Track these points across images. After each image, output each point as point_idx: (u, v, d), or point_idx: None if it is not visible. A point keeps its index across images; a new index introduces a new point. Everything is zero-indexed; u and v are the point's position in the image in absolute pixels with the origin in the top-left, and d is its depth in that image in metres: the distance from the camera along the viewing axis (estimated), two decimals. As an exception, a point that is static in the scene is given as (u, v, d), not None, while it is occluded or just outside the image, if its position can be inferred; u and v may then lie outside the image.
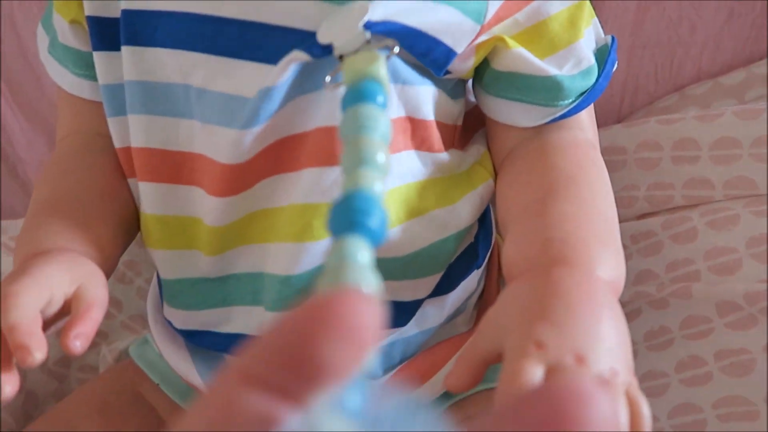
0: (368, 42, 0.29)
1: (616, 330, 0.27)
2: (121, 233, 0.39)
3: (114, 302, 0.54)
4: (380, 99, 0.25)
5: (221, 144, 0.35)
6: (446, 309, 0.41)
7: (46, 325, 0.32)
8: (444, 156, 0.38)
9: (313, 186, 0.34)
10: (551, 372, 0.25)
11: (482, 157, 0.41)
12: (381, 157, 0.22)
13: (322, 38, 0.30)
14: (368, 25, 0.30)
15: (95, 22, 0.38)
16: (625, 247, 0.45)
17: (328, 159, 0.34)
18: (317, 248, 0.35)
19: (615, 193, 0.36)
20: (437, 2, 0.32)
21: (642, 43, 0.52)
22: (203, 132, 0.35)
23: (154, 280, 0.45)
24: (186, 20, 0.34)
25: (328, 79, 0.30)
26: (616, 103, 0.53)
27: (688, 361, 0.37)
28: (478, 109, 0.42)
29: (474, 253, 0.42)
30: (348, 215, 0.21)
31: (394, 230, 0.36)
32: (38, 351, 0.28)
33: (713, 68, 0.52)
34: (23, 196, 0.66)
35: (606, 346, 0.26)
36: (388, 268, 0.37)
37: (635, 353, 0.40)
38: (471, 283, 0.42)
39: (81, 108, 0.42)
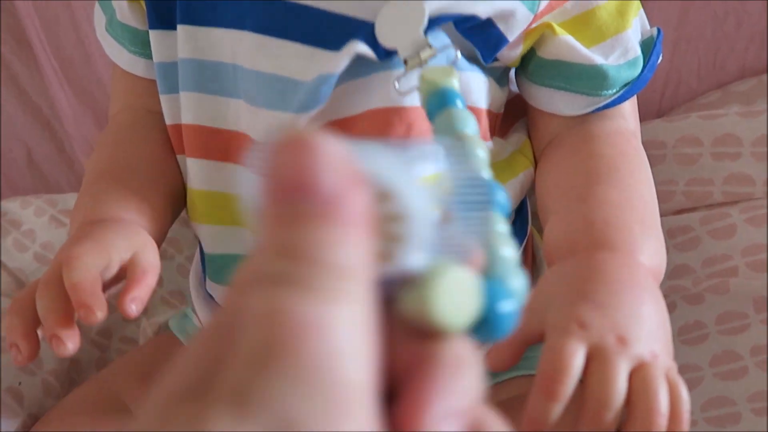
0: (429, 46, 0.30)
1: (657, 314, 0.28)
2: (170, 206, 0.41)
3: (180, 296, 0.56)
4: (460, 103, 0.26)
5: (265, 126, 0.36)
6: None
7: (104, 288, 0.33)
8: (488, 144, 0.39)
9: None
10: (593, 352, 0.26)
11: (523, 145, 0.42)
12: (481, 152, 0.23)
13: (384, 41, 0.31)
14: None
15: (153, 1, 0.39)
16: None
17: (378, 139, 0.35)
18: None
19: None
20: None
21: (686, 37, 0.51)
22: (249, 113, 0.36)
23: (197, 255, 0.46)
24: (245, 1, 0.35)
25: (396, 85, 0.32)
26: (656, 97, 0.53)
27: (723, 355, 0.38)
28: (519, 98, 0.42)
29: (511, 241, 0.43)
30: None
31: None
32: (99, 310, 0.29)
33: (758, 65, 0.51)
34: (69, 172, 0.68)
35: (647, 328, 0.27)
36: None
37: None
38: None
39: (135, 85, 0.44)
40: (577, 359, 0.25)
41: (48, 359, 0.49)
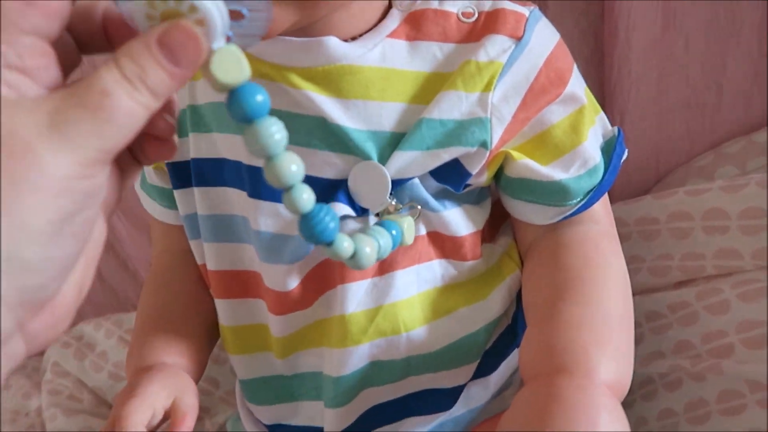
0: (395, 205, 0.36)
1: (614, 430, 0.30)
2: (207, 339, 0.47)
3: (212, 381, 0.62)
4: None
5: (272, 275, 0.41)
6: (491, 388, 0.45)
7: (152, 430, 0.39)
8: (474, 263, 0.42)
9: (346, 300, 0.39)
10: None
11: (509, 247, 0.45)
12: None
13: (359, 201, 0.37)
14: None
15: (172, 167, 0.46)
16: (663, 316, 0.47)
17: (354, 275, 0.39)
18: (359, 351, 0.40)
19: (650, 262, 0.37)
20: (441, 149, 0.37)
21: (669, 107, 0.53)
22: (259, 263, 0.42)
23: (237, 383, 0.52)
24: (239, 167, 0.41)
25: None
26: (652, 166, 0.55)
27: (724, 437, 0.39)
28: (500, 203, 0.45)
29: (513, 333, 0.46)
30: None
31: (421, 329, 0.41)
32: None
33: (748, 123, 0.52)
34: (135, 286, 0.77)
35: None
36: (422, 362, 0.41)
37: (676, 425, 0.42)
38: (514, 360, 0.45)
39: (169, 231, 0.51)
40: None
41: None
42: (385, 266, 0.40)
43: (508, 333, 0.45)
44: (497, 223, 0.46)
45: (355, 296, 0.40)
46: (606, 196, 0.42)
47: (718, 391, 0.41)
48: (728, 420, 0.39)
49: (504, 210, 0.46)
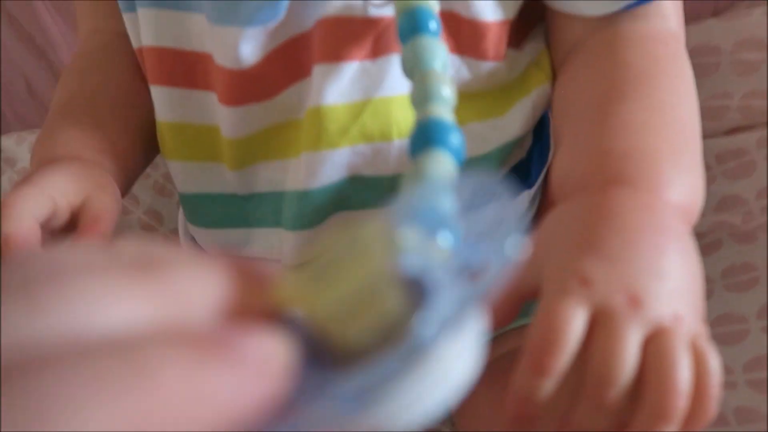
0: None
1: (684, 267, 0.22)
2: (140, 141, 0.37)
3: (155, 215, 0.54)
4: (434, 25, 0.25)
5: (223, 44, 0.31)
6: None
7: (53, 236, 0.30)
8: (497, 66, 0.33)
9: (325, 85, 0.30)
10: (597, 315, 0.21)
11: (539, 56, 0.35)
12: (447, 91, 0.23)
13: None
14: None
15: None
16: (707, 167, 0.39)
17: (340, 52, 0.29)
18: (334, 158, 0.31)
19: (700, 102, 0.29)
20: None
21: None
22: (210, 30, 0.31)
23: (180, 215, 0.43)
24: None
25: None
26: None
27: (775, 303, 0.32)
28: (534, 2, 0.35)
29: (526, 171, 0.37)
30: (427, 136, 0.21)
31: None
32: None
33: None
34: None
35: (669, 286, 0.21)
36: None
37: (709, 293, 0.35)
38: (520, 205, 0.37)
39: (97, 8, 0.40)
40: (574, 325, 0.20)
41: None
42: (381, 46, 0.30)
43: (521, 169, 0.37)
44: (525, 28, 0.36)
45: (337, 82, 0.30)
46: (678, -9, 0.32)
47: (771, 253, 0.33)
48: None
49: (533, 15, 0.36)
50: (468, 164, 0.33)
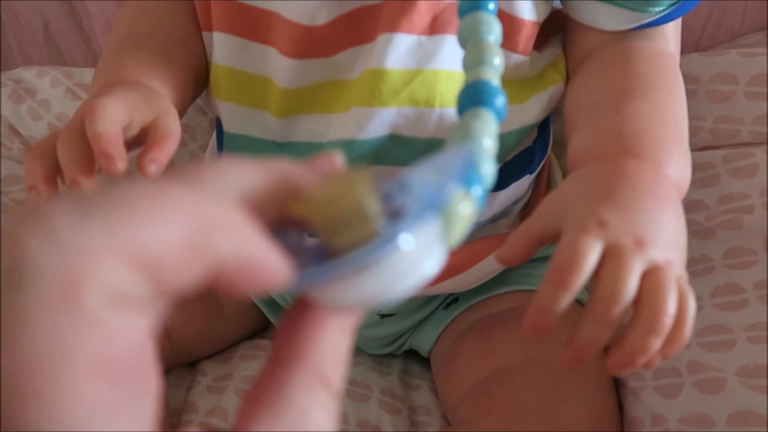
0: None
1: (677, 225, 0.28)
2: (192, 81, 0.40)
3: (189, 130, 0.56)
4: (492, 6, 0.28)
5: (302, 3, 0.35)
6: (494, 206, 0.42)
7: (126, 146, 0.33)
8: (522, 59, 0.38)
9: (387, 51, 0.34)
10: (609, 250, 0.26)
11: (556, 59, 0.41)
12: (497, 60, 0.26)
13: None
14: None
15: None
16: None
17: (402, 26, 0.34)
18: (382, 115, 0.35)
19: None
20: None
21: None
22: None
23: (213, 140, 0.46)
24: None
25: None
26: (695, 33, 0.51)
27: (725, 287, 0.38)
28: (557, 13, 0.41)
29: (530, 157, 0.43)
30: (475, 96, 0.24)
31: (455, 111, 0.36)
32: (120, 161, 0.29)
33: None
34: (86, 49, 0.67)
35: (665, 235, 0.27)
36: None
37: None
38: (521, 186, 0.43)
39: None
40: (592, 254, 0.26)
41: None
42: (437, 26, 0.35)
43: (526, 155, 0.42)
44: (546, 35, 0.42)
45: (396, 51, 0.34)
46: (679, 22, 0.38)
47: (726, 248, 0.40)
48: (734, 273, 0.38)
49: (553, 25, 0.42)
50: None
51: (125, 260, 0.11)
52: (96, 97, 0.32)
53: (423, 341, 0.47)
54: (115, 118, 0.31)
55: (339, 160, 0.16)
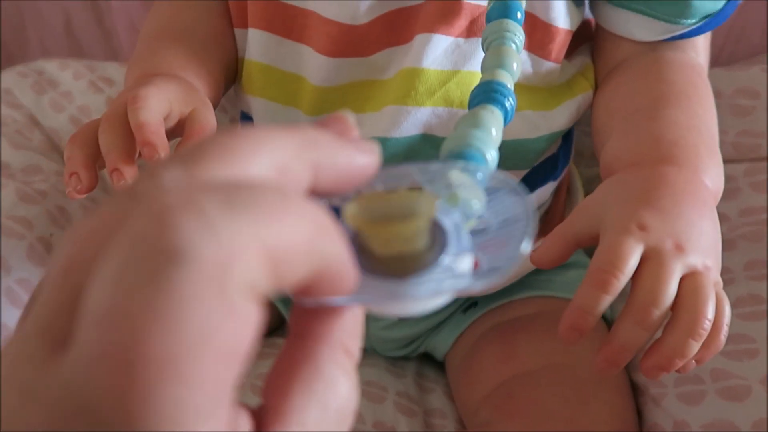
0: None
1: (714, 232, 0.28)
2: (224, 77, 0.41)
3: None
4: (519, 15, 0.29)
5: (342, 2, 0.35)
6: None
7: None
8: (553, 66, 0.39)
9: (424, 51, 0.35)
10: (649, 253, 0.26)
11: (585, 68, 0.41)
12: (515, 65, 0.27)
13: None
14: None
15: None
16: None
17: (440, 27, 0.34)
18: (417, 114, 0.36)
19: None
20: None
21: (758, -9, 0.50)
22: None
23: None
24: None
25: None
26: (715, 48, 0.52)
27: (747, 298, 0.38)
28: (586, 22, 0.42)
29: (554, 164, 0.43)
30: (487, 93, 0.25)
31: None
32: (163, 150, 0.30)
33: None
34: (106, 45, 0.67)
35: (704, 241, 0.27)
36: None
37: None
38: (545, 193, 0.43)
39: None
40: (633, 257, 0.26)
41: (79, 218, 0.49)
42: (474, 29, 0.35)
43: (550, 162, 0.43)
44: (576, 44, 0.42)
45: (434, 51, 0.35)
46: (709, 36, 0.39)
47: (748, 259, 0.40)
48: (755, 284, 0.38)
49: (583, 35, 0.42)
50: (523, 143, 0.38)
51: (263, 254, 0.12)
52: (137, 87, 0.33)
53: (439, 344, 0.47)
54: (157, 108, 0.31)
55: (350, 120, 0.17)
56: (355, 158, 0.15)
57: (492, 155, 0.22)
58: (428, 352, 0.49)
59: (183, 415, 0.11)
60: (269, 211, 0.12)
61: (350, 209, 0.16)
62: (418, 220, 0.15)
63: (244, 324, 0.12)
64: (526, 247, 0.16)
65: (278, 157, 0.14)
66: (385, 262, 0.16)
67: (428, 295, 0.15)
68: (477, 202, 0.17)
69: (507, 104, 0.25)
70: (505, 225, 0.17)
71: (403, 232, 0.15)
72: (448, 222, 0.17)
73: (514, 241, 0.16)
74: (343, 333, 0.15)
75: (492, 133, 0.23)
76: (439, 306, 0.16)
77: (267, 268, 0.12)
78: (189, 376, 0.11)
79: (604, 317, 0.36)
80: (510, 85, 0.26)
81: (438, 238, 0.16)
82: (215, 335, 0.11)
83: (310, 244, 0.13)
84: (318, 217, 0.13)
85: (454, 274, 0.16)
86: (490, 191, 0.18)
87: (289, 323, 0.16)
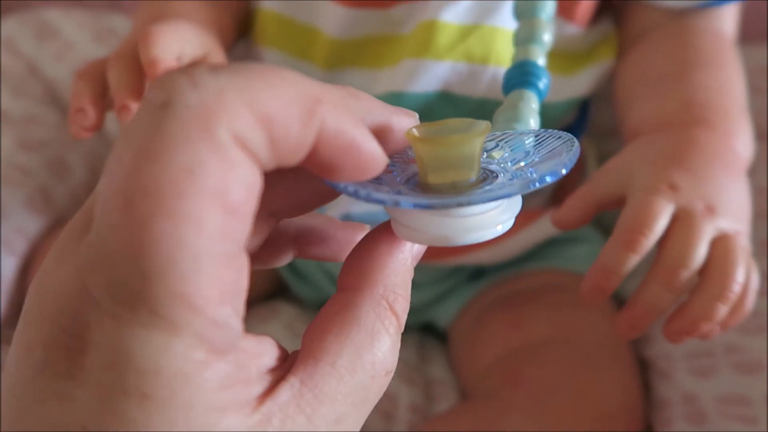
0: None
1: (744, 198, 0.28)
2: (233, 26, 0.39)
3: None
4: None
5: None
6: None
7: None
8: (577, 32, 0.38)
9: (444, 5, 0.34)
10: (679, 214, 0.25)
11: (608, 36, 0.40)
12: (547, 37, 0.26)
13: None
14: None
15: None
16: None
17: None
18: (436, 69, 0.35)
19: None
20: None
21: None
22: None
23: None
24: None
25: None
26: (763, 17, 0.50)
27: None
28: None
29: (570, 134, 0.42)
30: (522, 76, 0.25)
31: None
32: None
33: None
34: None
35: (734, 205, 0.27)
36: (494, 109, 0.37)
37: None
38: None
39: None
40: (663, 217, 0.25)
41: (78, 170, 0.48)
42: None
43: (567, 131, 0.42)
44: (597, 12, 0.41)
45: (455, 6, 0.34)
46: (738, 9, 0.38)
47: (759, 237, 0.40)
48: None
49: (603, 5, 0.41)
50: (542, 107, 0.38)
51: (249, 110, 0.13)
52: (153, 25, 0.31)
53: (443, 314, 0.47)
54: (170, 46, 0.30)
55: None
56: (362, 141, 0.15)
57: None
58: (430, 322, 0.48)
59: (181, 254, 0.12)
60: (257, 75, 0.13)
61: (410, 131, 0.16)
62: (472, 135, 0.16)
63: (232, 167, 0.12)
64: (574, 156, 0.16)
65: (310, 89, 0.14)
66: (440, 192, 0.16)
67: (482, 201, 0.15)
68: (527, 141, 0.18)
69: (541, 85, 0.26)
70: (550, 157, 0.17)
71: (457, 143, 0.15)
72: (497, 168, 0.17)
73: (559, 158, 0.17)
74: (387, 286, 0.15)
75: (531, 125, 0.22)
76: (491, 235, 0.16)
77: (258, 124, 0.13)
78: (177, 210, 0.12)
79: (613, 294, 0.35)
80: (542, 61, 0.26)
81: (489, 179, 0.17)
82: (200, 171, 0.12)
83: (304, 108, 0.13)
84: (315, 88, 0.14)
85: (506, 184, 0.16)
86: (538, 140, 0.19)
87: (338, 280, 0.16)
